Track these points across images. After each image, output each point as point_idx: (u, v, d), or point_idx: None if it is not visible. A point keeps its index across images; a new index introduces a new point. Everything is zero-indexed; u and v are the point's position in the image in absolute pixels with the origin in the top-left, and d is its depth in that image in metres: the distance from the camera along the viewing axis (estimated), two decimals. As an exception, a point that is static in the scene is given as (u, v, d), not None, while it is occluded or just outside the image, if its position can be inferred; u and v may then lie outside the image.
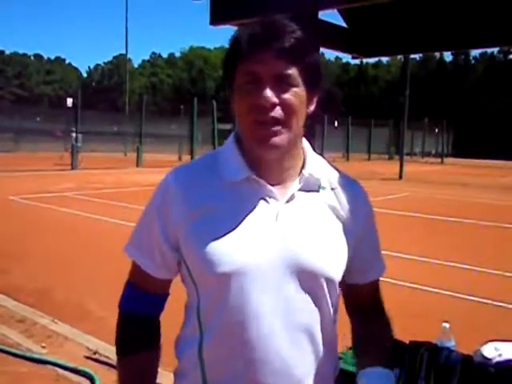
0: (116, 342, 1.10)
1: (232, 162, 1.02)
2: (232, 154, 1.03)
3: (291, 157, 1.02)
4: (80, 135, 23.69)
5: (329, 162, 1.10)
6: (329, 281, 1.00)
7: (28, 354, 3.53)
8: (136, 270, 1.08)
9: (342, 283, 1.05)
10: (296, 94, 0.95)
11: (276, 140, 0.95)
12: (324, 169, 1.07)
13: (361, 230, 1.06)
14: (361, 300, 1.12)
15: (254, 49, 0.93)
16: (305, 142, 1.07)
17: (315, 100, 1.02)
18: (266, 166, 1.00)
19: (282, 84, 0.94)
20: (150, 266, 1.05)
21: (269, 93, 0.93)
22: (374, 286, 1.15)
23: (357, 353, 1.12)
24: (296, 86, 0.95)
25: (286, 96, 0.94)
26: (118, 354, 1.10)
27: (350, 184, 1.09)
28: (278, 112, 0.94)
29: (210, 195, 1.00)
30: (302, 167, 1.04)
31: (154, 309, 1.09)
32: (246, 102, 0.95)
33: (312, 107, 1.01)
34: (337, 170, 1.10)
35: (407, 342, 1.78)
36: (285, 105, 0.94)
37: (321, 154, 1.10)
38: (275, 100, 0.93)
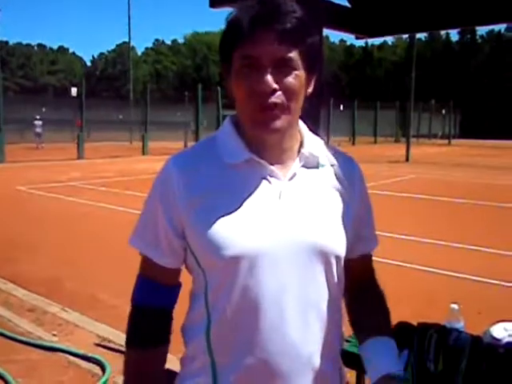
0: (127, 334, 1.09)
1: (231, 145, 1.01)
2: (230, 138, 1.02)
3: (290, 137, 1.02)
4: (40, 122, 24.17)
5: (324, 141, 1.10)
6: (337, 257, 1.01)
7: (38, 342, 3.57)
8: (145, 262, 1.07)
9: None
10: (296, 77, 0.94)
11: (277, 123, 0.94)
12: (321, 147, 1.08)
13: (357, 205, 1.07)
14: (354, 275, 1.10)
15: (254, 31, 0.90)
16: (300, 123, 1.07)
17: (313, 81, 1.01)
18: (266, 147, 1.00)
19: (283, 67, 0.92)
20: (158, 256, 1.04)
21: (269, 78, 0.91)
22: (367, 261, 1.15)
23: (356, 330, 1.12)
24: (296, 68, 0.94)
25: (287, 80, 0.93)
26: (127, 345, 1.09)
27: (346, 161, 1.10)
28: (279, 97, 0.93)
29: (212, 179, 0.99)
30: (300, 147, 1.04)
31: (167, 300, 1.08)
32: (245, 87, 0.93)
33: (310, 89, 1.01)
34: (333, 148, 1.11)
35: (415, 323, 1.77)
36: (285, 89, 0.93)
37: (318, 135, 1.10)
38: (275, 86, 0.92)
